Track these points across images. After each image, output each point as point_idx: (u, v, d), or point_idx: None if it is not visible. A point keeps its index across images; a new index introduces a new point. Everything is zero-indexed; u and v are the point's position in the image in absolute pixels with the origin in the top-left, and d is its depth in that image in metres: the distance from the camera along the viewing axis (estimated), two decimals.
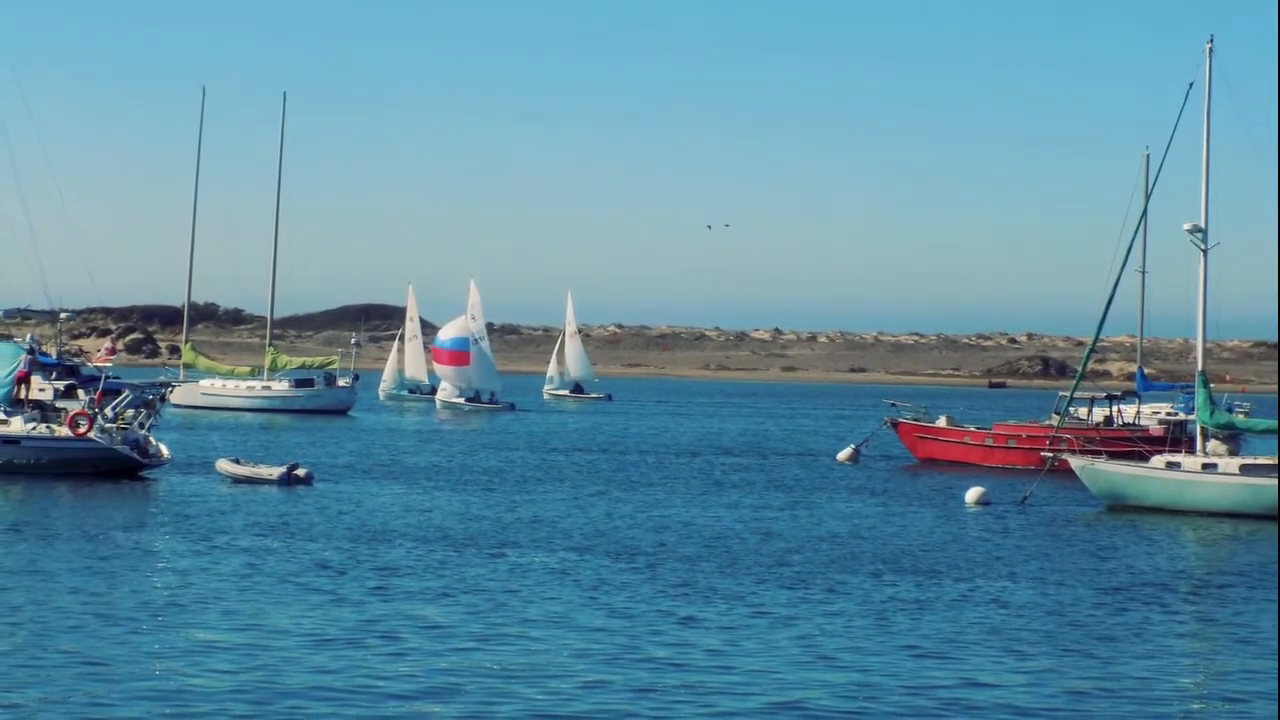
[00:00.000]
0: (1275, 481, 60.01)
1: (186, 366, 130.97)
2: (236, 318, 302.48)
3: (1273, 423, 65.23)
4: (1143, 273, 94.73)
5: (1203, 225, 63.75)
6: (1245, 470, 60.92)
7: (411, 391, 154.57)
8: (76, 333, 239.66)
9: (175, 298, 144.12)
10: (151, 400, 67.04)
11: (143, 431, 65.13)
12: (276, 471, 64.62)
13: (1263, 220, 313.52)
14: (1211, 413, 63.33)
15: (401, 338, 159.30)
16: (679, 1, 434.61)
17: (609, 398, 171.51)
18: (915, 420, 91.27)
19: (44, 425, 64.33)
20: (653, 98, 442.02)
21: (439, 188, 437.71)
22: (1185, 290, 65.72)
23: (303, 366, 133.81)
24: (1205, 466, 61.52)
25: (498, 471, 74.86)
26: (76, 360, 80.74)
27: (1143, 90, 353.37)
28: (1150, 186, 74.73)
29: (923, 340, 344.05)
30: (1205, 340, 64.73)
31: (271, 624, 33.25)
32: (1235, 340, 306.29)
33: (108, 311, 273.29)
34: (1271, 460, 61.23)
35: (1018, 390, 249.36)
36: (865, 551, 48.26)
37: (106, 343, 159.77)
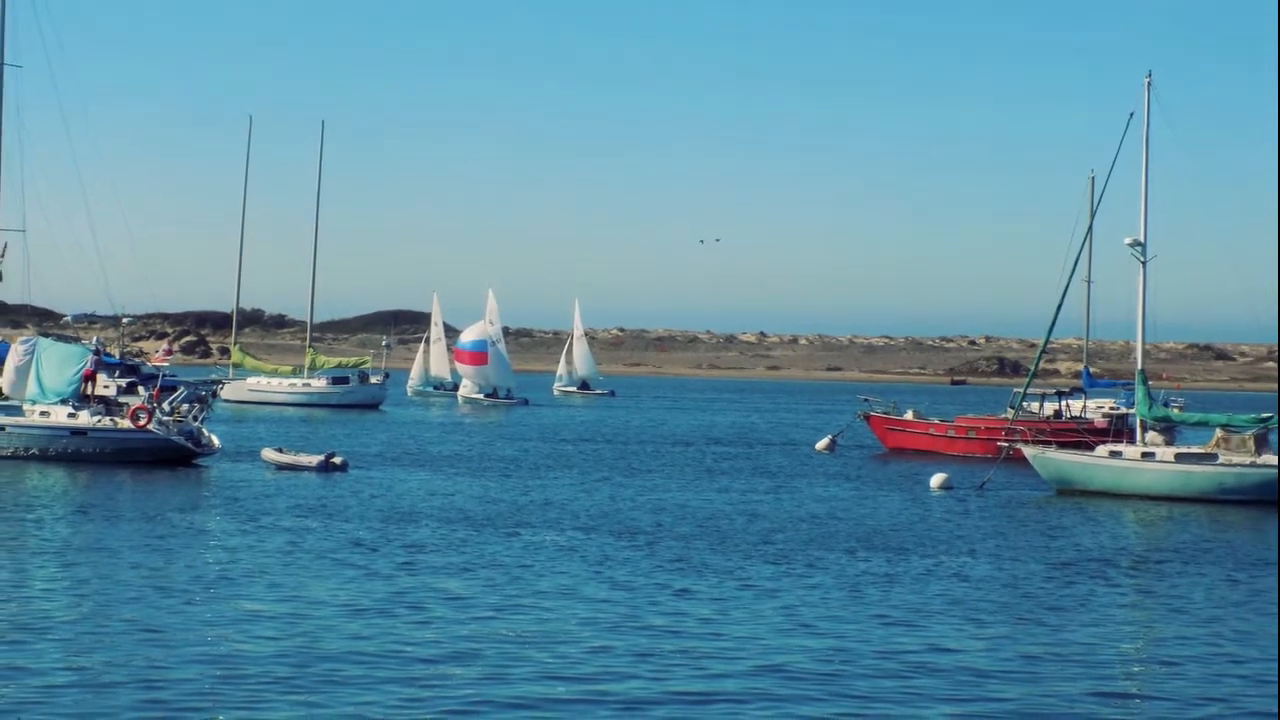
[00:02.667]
0: (1206, 468, 60.09)
1: (235, 366, 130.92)
2: (280, 322, 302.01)
3: (1204, 415, 65.28)
4: (1088, 282, 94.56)
5: (1142, 240, 63.82)
6: (1180, 459, 61.02)
7: (436, 388, 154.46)
8: (137, 336, 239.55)
9: (225, 304, 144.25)
10: (204, 396, 67.10)
11: (196, 424, 65.17)
12: (315, 459, 64.62)
13: (1195, 235, 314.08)
14: (1150, 407, 63.47)
15: (427, 340, 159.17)
16: (675, 42, 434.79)
17: (612, 394, 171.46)
18: (885, 414, 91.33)
19: (108, 418, 64.39)
20: (651, 127, 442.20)
21: (460, 206, 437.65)
22: (1126, 297, 65.77)
23: (339, 366, 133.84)
24: (1144, 455, 61.60)
25: (513, 459, 74.83)
26: (137, 360, 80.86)
27: (1089, 119, 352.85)
28: (1095, 205, 74.81)
29: (892, 342, 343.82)
30: (1144, 342, 64.77)
31: (311, 595, 33.25)
32: (1171, 342, 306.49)
33: (165, 317, 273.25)
34: (1203, 449, 61.33)
35: (977, 387, 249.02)
36: (841, 531, 48.25)
37: (164, 344, 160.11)
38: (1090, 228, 76.93)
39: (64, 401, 64.97)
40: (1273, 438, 62.07)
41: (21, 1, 75.15)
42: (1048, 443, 67.98)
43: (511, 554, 40.74)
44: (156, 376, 69.03)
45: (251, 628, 29.32)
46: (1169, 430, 63.01)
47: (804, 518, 51.89)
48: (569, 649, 28.18)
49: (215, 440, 65.78)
